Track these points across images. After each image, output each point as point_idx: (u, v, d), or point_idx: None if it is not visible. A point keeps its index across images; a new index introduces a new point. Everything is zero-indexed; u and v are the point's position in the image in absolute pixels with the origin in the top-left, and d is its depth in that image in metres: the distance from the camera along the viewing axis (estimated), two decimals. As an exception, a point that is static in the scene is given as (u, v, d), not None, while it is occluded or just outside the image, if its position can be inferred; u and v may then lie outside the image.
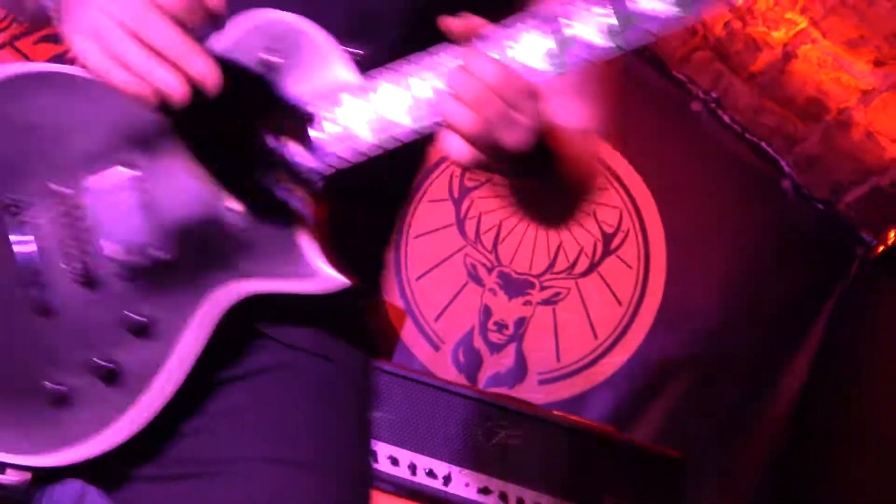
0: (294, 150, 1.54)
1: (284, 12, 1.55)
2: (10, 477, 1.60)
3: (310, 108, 1.53)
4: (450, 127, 1.47)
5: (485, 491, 3.71)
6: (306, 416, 1.69)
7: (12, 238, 1.62)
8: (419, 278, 4.87)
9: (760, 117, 4.85)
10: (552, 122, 1.57)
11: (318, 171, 1.55)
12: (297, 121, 1.54)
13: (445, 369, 4.75)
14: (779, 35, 4.41)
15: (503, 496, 3.71)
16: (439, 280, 4.87)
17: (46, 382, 1.58)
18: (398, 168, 1.81)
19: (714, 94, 4.91)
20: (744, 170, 4.96)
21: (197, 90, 1.42)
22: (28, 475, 1.61)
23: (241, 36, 1.55)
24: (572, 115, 1.80)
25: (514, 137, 1.46)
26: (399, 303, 4.82)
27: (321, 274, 1.56)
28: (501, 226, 4.88)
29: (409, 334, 4.81)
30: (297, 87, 1.55)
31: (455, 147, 1.47)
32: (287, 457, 1.65)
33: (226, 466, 1.64)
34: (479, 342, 4.84)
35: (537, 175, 1.65)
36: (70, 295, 1.60)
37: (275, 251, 1.56)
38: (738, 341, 4.89)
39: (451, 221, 4.87)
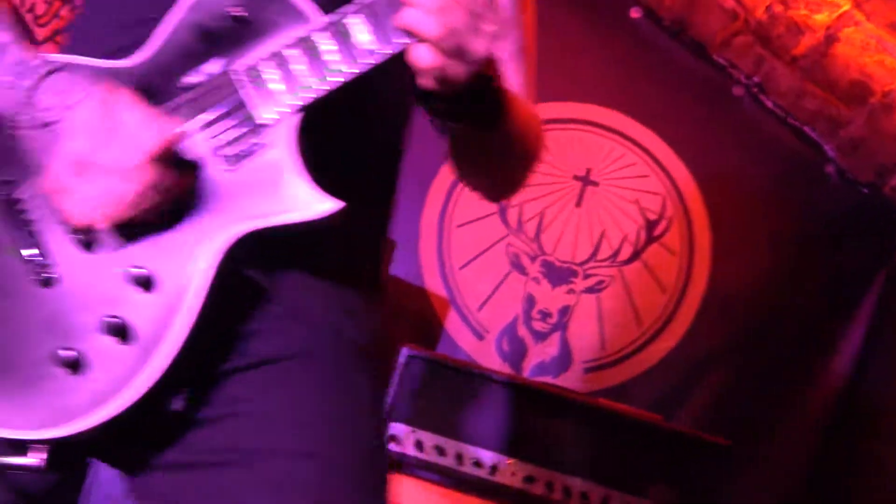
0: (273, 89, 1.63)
1: None
2: (32, 458, 1.59)
3: (283, 51, 1.62)
4: (416, 36, 1.56)
5: (531, 480, 3.72)
6: (320, 406, 1.72)
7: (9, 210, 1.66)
8: (462, 268, 4.87)
9: (803, 101, 4.82)
10: (501, 69, 1.69)
11: (296, 105, 1.62)
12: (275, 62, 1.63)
13: (490, 358, 4.76)
14: (821, 18, 4.38)
15: (549, 485, 3.72)
16: (482, 269, 4.87)
17: (59, 350, 1.60)
18: (382, 137, 1.88)
19: (756, 79, 4.88)
20: (787, 154, 4.92)
21: None
22: (44, 456, 1.61)
23: None
24: (514, 81, 1.91)
25: (478, 45, 1.56)
26: (442, 292, 4.83)
27: (310, 201, 1.60)
28: (544, 214, 4.88)
29: (452, 324, 4.82)
30: (268, 35, 1.63)
31: (421, 53, 1.56)
32: (303, 448, 1.68)
33: (244, 456, 1.67)
34: (523, 331, 4.84)
35: (488, 118, 1.73)
36: (72, 261, 1.63)
37: (264, 188, 1.61)
38: (782, 327, 4.86)
39: (494, 210, 4.87)
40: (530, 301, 4.86)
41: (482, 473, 3.71)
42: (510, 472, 3.71)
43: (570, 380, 4.72)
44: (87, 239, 1.63)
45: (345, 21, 1.60)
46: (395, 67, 1.62)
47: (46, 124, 1.59)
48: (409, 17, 1.56)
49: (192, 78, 1.64)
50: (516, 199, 4.83)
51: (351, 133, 1.76)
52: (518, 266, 4.87)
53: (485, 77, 1.63)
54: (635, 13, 4.93)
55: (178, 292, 1.60)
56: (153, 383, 1.59)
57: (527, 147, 1.94)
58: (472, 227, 4.88)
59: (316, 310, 1.74)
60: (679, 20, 4.88)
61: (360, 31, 1.60)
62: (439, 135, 1.83)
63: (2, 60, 1.65)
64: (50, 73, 1.62)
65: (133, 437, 1.66)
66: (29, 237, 1.65)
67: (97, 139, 1.55)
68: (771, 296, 4.86)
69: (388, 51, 1.60)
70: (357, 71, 1.61)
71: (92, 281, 1.62)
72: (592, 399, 4.02)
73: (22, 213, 1.65)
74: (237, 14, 1.63)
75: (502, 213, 4.87)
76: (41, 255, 1.64)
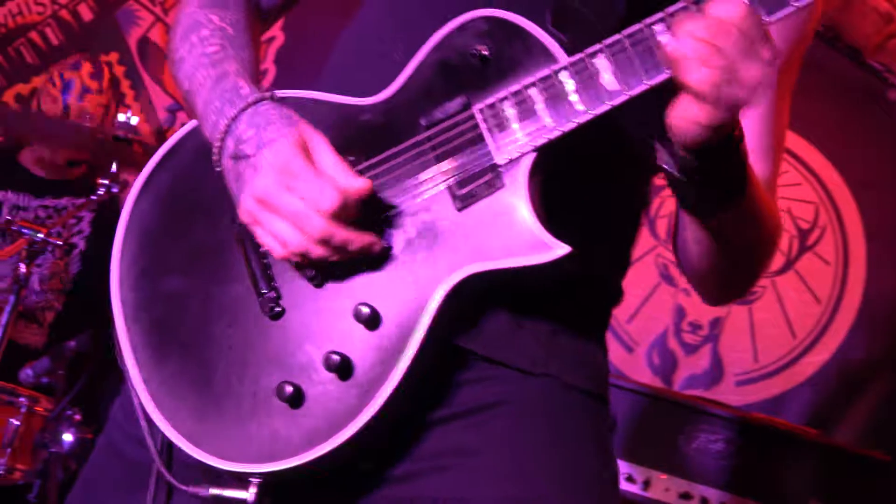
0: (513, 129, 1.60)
1: (491, 10, 1.63)
2: (248, 492, 1.60)
3: (524, 90, 1.58)
4: (687, 66, 1.46)
5: (686, 496, 3.67)
6: (537, 450, 1.67)
7: (249, 249, 1.68)
8: (610, 279, 4.84)
9: (962, 104, 4.69)
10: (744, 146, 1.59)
11: (534, 144, 1.58)
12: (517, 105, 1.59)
13: (640, 371, 4.72)
14: (981, 18, 4.25)
15: (704, 501, 3.67)
16: (631, 281, 4.74)
17: (284, 385, 1.59)
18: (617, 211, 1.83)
19: (912, 82, 4.77)
20: (945, 160, 4.80)
21: None
22: (255, 490, 1.60)
23: (446, 34, 1.64)
24: (758, 171, 1.77)
25: (753, 72, 1.45)
26: (590, 304, 4.80)
27: (540, 245, 1.55)
28: (693, 224, 4.81)
29: (601, 336, 4.78)
30: (511, 74, 1.60)
31: (695, 77, 1.46)
32: (524, 494, 1.63)
33: None
34: (673, 343, 4.79)
35: (730, 184, 1.62)
36: (299, 294, 1.63)
37: (494, 230, 1.58)
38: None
39: (643, 221, 4.82)
40: (680, 313, 4.80)
41: (635, 489, 3.67)
42: (663, 487, 3.67)
43: (722, 393, 4.65)
44: (312, 274, 1.63)
45: (589, 61, 1.56)
46: (637, 114, 1.58)
47: (241, 157, 1.60)
48: (685, 47, 1.46)
49: (433, 115, 1.62)
50: (665, 209, 4.79)
51: (584, 176, 1.71)
52: (667, 277, 4.82)
53: (733, 137, 1.54)
54: (785, 17, 4.85)
55: (400, 332, 1.58)
56: (365, 424, 1.56)
57: (765, 231, 1.81)
58: (620, 237, 4.84)
59: (527, 356, 1.69)
60: (831, 24, 4.79)
61: (604, 71, 1.55)
62: (679, 208, 1.74)
63: (219, 85, 1.67)
64: (254, 103, 1.63)
65: (328, 483, 1.64)
66: (261, 270, 1.66)
67: (280, 183, 1.55)
68: (930, 305, 4.74)
69: (631, 92, 1.54)
70: (597, 112, 1.56)
71: (318, 316, 1.62)
72: (746, 413, 3.95)
73: (254, 246, 1.66)
74: (482, 53, 1.61)
75: (651, 225, 4.83)
76: (271, 287, 1.65)
